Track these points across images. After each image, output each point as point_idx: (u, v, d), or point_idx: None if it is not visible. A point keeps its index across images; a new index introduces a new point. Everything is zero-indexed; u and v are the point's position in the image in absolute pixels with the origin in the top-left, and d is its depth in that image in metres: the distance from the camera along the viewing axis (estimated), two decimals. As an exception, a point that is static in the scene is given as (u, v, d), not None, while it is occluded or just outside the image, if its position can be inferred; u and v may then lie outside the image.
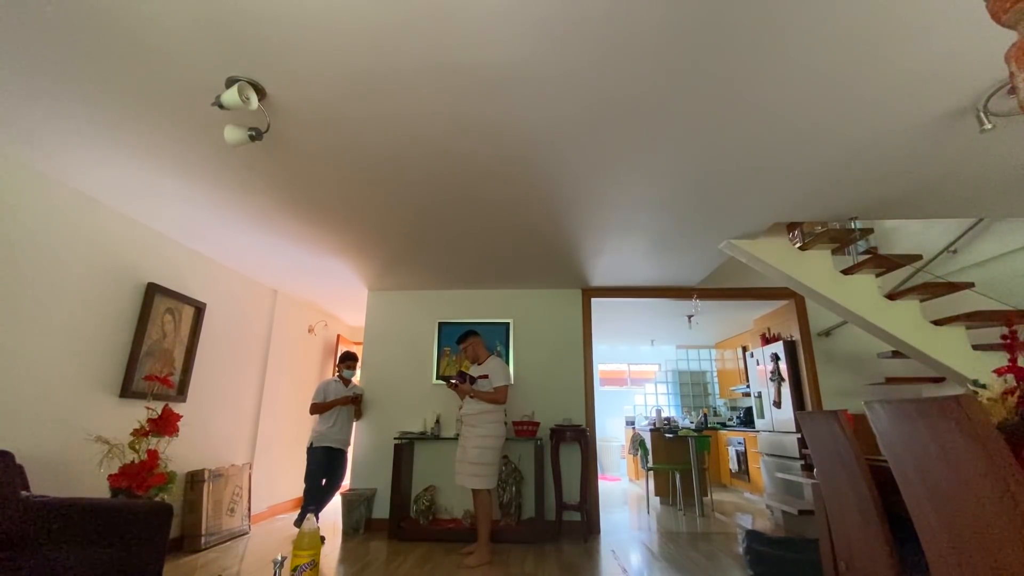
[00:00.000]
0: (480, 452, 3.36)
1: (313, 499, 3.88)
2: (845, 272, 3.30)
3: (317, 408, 4.06)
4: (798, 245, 3.36)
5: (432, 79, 1.83)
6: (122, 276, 3.10)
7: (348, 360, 4.31)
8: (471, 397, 3.48)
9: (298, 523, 3.85)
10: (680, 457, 5.68)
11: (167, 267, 3.46)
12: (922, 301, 3.25)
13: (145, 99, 1.98)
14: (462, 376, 3.52)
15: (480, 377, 3.51)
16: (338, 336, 6.31)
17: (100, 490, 2.64)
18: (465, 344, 3.71)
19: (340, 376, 4.27)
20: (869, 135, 2.15)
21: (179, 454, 3.41)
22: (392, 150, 2.33)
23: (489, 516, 3.38)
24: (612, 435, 8.22)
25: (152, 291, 3.26)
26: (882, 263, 3.25)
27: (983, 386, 1.46)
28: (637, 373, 8.77)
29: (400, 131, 2.17)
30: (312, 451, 3.96)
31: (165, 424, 2.88)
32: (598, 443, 5.03)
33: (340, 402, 4.10)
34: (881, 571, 1.57)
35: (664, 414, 6.61)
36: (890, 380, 4.19)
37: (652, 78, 1.82)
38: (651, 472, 5.61)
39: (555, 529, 4.03)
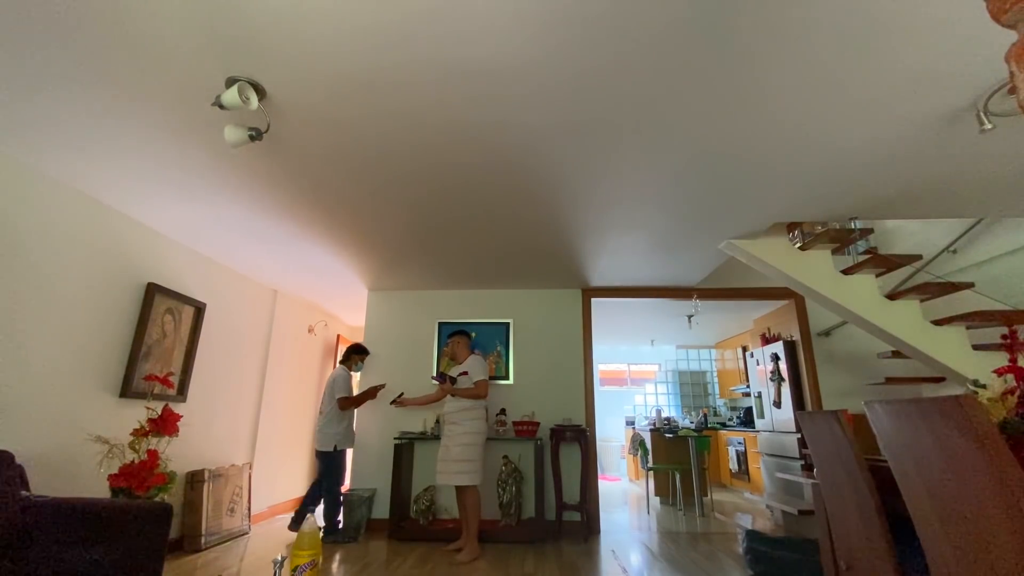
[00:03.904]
0: (463, 449, 3.42)
1: (339, 506, 3.81)
2: (845, 272, 3.30)
3: (351, 402, 3.99)
4: (798, 245, 3.36)
5: (432, 78, 1.83)
6: (122, 276, 3.10)
7: (364, 353, 4.25)
8: (452, 396, 3.55)
9: (337, 538, 3.75)
10: (680, 457, 5.68)
11: (167, 267, 3.46)
12: (922, 301, 3.25)
13: (145, 99, 1.98)
14: (442, 377, 3.57)
15: (460, 375, 3.57)
16: (338, 336, 6.31)
17: (100, 490, 2.63)
18: (451, 341, 3.79)
19: (351, 369, 4.21)
20: (869, 135, 2.15)
21: (179, 454, 3.41)
22: (392, 149, 2.33)
23: (479, 511, 3.44)
24: (612, 435, 8.22)
25: (152, 291, 3.26)
26: (882, 263, 3.25)
27: (983, 386, 1.46)
28: (637, 373, 8.77)
29: (400, 131, 2.17)
30: (337, 455, 3.86)
31: (165, 424, 2.87)
32: (598, 443, 5.02)
33: (370, 396, 4.06)
34: (881, 571, 1.57)
35: (664, 414, 6.61)
36: (890, 380, 4.19)
37: (651, 79, 1.82)
38: (651, 472, 5.60)
39: (555, 529, 4.03)
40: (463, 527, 3.48)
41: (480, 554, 3.38)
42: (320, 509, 3.92)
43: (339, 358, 4.18)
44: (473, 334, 4.62)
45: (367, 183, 2.66)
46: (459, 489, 3.46)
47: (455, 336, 3.81)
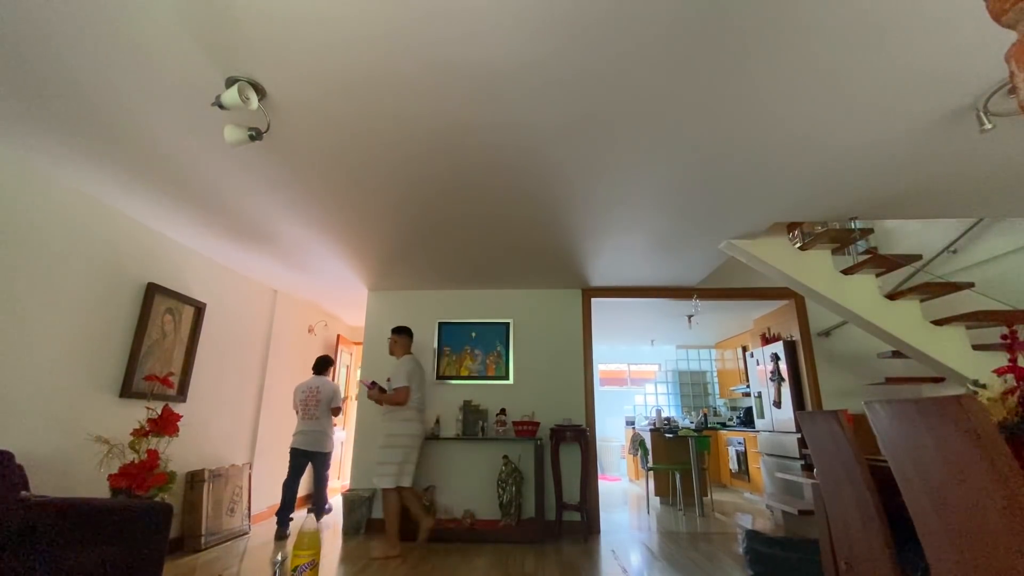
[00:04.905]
0: (382, 451, 3.46)
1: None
2: (845, 272, 3.30)
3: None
4: (798, 245, 3.36)
5: (432, 79, 1.83)
6: (122, 276, 3.10)
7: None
8: (379, 403, 3.62)
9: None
10: (680, 457, 5.68)
11: (167, 267, 3.46)
12: (922, 301, 3.25)
13: (145, 98, 1.98)
14: (372, 384, 3.64)
15: (388, 380, 3.66)
16: (338, 336, 6.31)
17: (100, 490, 2.64)
18: (390, 338, 3.85)
19: None
20: (869, 135, 2.15)
21: (179, 454, 3.41)
22: (392, 149, 2.33)
23: (394, 515, 3.38)
24: (612, 435, 8.22)
25: (152, 291, 3.26)
26: (882, 263, 3.25)
27: (983, 386, 1.46)
28: (637, 373, 8.76)
29: (400, 130, 2.17)
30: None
31: (165, 424, 2.88)
32: (598, 443, 5.03)
33: None
34: (881, 571, 1.57)
35: (664, 414, 6.61)
36: (890, 380, 4.19)
37: (652, 80, 1.82)
38: (651, 472, 5.60)
39: (555, 529, 4.03)
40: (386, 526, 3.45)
41: (398, 553, 3.33)
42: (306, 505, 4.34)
43: (318, 369, 4.55)
44: (469, 337, 4.64)
45: (367, 183, 2.66)
46: (383, 490, 3.43)
47: (395, 334, 3.82)
